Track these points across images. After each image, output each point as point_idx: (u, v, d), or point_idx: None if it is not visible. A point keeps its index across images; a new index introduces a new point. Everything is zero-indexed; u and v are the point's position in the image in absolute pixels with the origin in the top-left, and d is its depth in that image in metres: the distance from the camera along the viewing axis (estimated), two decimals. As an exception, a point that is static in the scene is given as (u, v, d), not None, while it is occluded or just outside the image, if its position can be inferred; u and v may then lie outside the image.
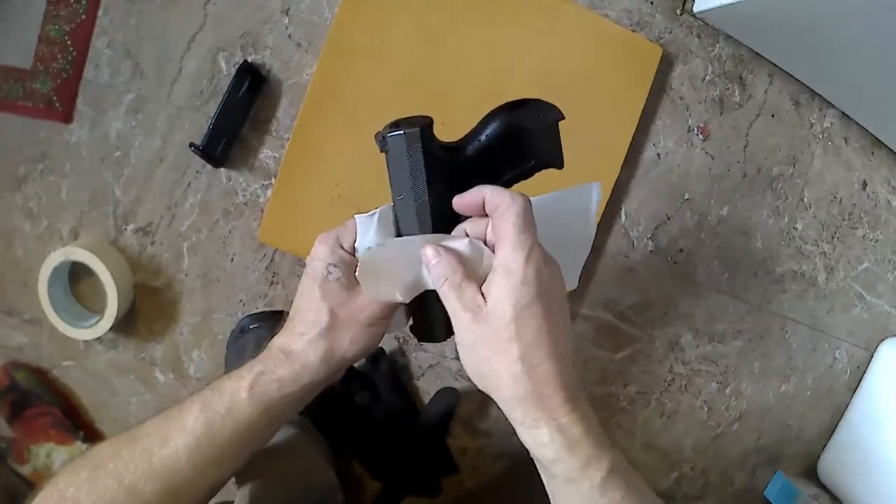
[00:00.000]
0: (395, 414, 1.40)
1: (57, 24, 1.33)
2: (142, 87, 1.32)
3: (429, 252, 0.88)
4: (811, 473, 1.56)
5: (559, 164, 0.96)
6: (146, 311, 1.39)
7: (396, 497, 1.43)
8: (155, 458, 0.87)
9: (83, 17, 1.32)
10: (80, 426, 1.43)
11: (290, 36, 1.31)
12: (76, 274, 1.37)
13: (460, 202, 0.89)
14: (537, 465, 0.85)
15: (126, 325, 1.39)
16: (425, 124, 0.90)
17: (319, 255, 0.94)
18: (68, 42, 1.33)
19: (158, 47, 1.31)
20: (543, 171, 0.96)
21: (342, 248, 0.93)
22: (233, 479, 1.10)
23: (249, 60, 1.30)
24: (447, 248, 0.88)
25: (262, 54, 1.31)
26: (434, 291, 0.91)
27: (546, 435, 0.80)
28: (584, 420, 0.81)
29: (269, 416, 0.91)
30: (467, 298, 0.84)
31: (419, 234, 0.91)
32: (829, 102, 1.42)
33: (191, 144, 1.29)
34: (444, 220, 0.92)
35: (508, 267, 0.82)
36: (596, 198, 0.98)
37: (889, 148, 1.44)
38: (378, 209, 0.93)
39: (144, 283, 1.37)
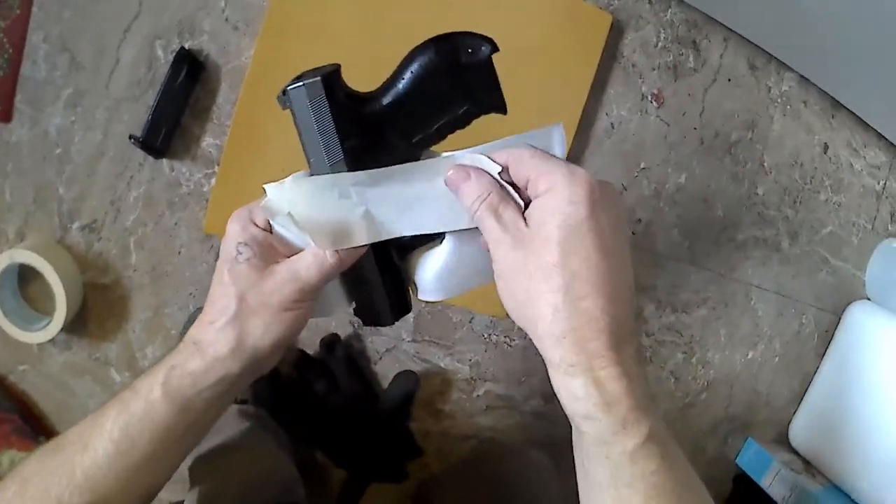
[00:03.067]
0: (354, 400, 1.38)
1: (-10, 21, 1.30)
2: (79, 80, 1.29)
3: (457, 172, 0.80)
4: (783, 439, 1.56)
5: (500, 108, 0.85)
6: (97, 310, 1.36)
7: (362, 484, 1.42)
8: (78, 467, 0.82)
9: (17, 12, 1.28)
10: (40, 431, 1.41)
11: (227, 19, 1.28)
12: (24, 276, 1.35)
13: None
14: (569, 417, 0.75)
15: (78, 325, 1.36)
16: (329, 72, 0.81)
17: (229, 234, 0.84)
18: (3, 39, 1.29)
19: (94, 39, 1.28)
20: (486, 120, 0.85)
21: (255, 224, 0.83)
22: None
23: (186, 47, 1.27)
24: (475, 168, 0.80)
25: (200, 40, 1.28)
26: (377, 265, 0.87)
27: (581, 387, 0.72)
28: (627, 375, 0.71)
29: (188, 417, 0.84)
30: (507, 220, 0.76)
31: None
32: (786, 65, 1.40)
33: (130, 136, 1.27)
34: None
35: (553, 187, 0.73)
36: (560, 141, 0.84)
37: (849, 110, 1.42)
38: (290, 176, 0.85)
39: (93, 282, 1.35)
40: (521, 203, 0.76)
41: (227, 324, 0.82)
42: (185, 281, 1.35)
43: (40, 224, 1.33)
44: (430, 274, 0.86)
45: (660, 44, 1.36)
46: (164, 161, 1.31)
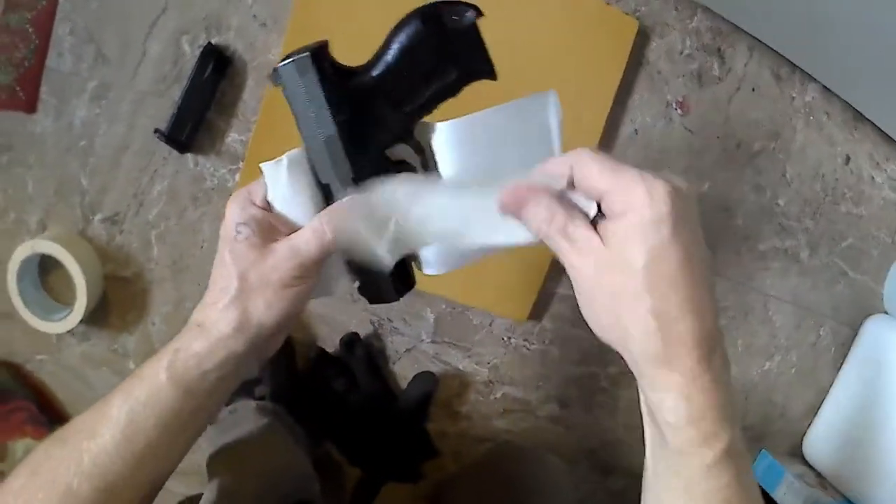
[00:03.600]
0: (372, 399, 1.39)
1: (17, 12, 1.30)
2: (105, 73, 1.30)
3: (511, 196, 0.76)
4: (796, 451, 1.56)
5: (490, 73, 0.85)
6: (117, 302, 1.38)
7: (377, 484, 1.42)
8: (85, 455, 0.82)
9: (44, 3, 1.29)
10: (56, 420, 1.42)
11: (254, 16, 1.28)
12: (45, 267, 1.36)
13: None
14: (645, 422, 0.76)
15: (97, 316, 1.37)
16: (317, 47, 0.82)
17: (228, 215, 0.85)
18: (30, 30, 1.30)
19: (121, 32, 1.29)
20: (475, 87, 0.84)
21: (254, 204, 0.84)
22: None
23: (213, 42, 1.28)
24: (528, 183, 0.76)
25: (226, 35, 1.29)
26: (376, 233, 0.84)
27: (671, 400, 0.71)
28: (713, 388, 0.70)
29: (193, 400, 0.83)
30: (581, 242, 0.72)
31: (336, 178, 0.84)
32: (810, 76, 1.39)
33: (156, 130, 1.27)
34: (364, 158, 0.84)
35: (632, 207, 0.69)
36: (555, 110, 0.83)
37: (872, 122, 1.42)
38: (286, 154, 0.85)
39: (114, 274, 1.36)
40: (590, 211, 0.73)
41: (230, 303, 0.82)
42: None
43: (62, 215, 1.34)
44: (434, 248, 0.87)
45: (685, 51, 1.36)
46: (189, 156, 1.32)
